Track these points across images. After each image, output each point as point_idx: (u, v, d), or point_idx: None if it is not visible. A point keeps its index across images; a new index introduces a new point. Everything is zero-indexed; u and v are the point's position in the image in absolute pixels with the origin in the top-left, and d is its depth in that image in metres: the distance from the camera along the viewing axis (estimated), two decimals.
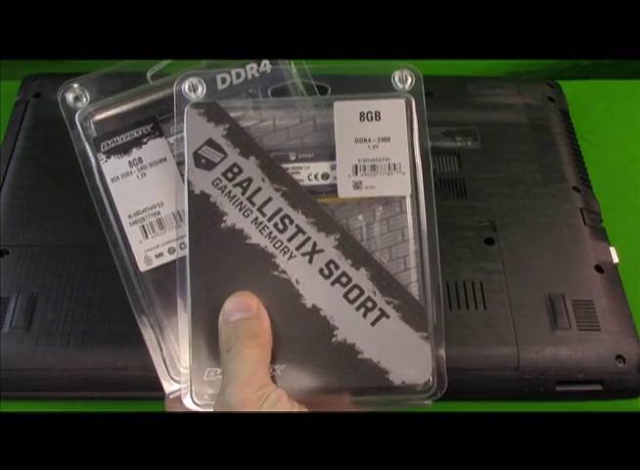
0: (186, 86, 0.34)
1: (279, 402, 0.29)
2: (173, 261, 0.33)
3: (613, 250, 0.44)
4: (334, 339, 0.30)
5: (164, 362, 0.34)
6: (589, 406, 0.40)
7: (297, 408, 0.29)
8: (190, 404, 0.31)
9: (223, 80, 0.34)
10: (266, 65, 0.35)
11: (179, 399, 0.32)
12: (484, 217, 0.45)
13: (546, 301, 0.41)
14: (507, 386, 0.39)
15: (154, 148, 0.35)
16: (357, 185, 0.31)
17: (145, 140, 0.35)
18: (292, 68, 0.35)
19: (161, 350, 0.34)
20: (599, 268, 0.43)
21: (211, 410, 0.30)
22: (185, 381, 0.31)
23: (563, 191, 0.47)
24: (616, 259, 0.44)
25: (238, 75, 0.34)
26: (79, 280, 0.40)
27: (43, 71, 0.51)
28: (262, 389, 0.29)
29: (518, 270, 0.42)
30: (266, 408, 0.28)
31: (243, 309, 0.31)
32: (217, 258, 0.31)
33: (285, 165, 0.32)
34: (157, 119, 0.36)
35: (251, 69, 0.34)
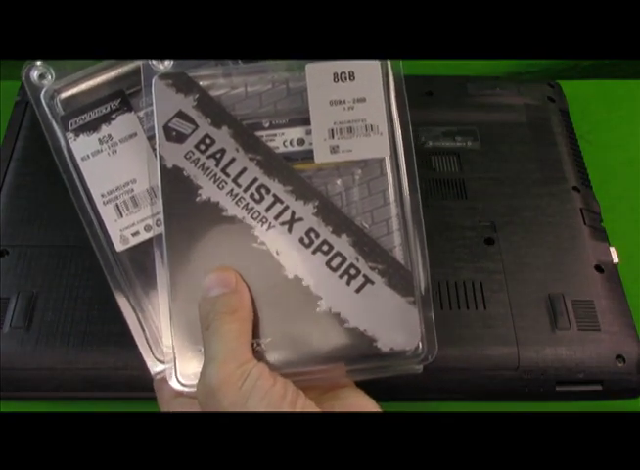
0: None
1: (260, 379, 0.28)
2: (150, 239, 0.33)
3: (613, 250, 0.44)
4: (318, 309, 0.29)
5: (148, 343, 0.33)
6: (589, 406, 0.40)
7: (279, 384, 0.29)
8: (176, 385, 0.31)
9: None
10: None
11: (165, 379, 0.31)
12: (484, 217, 0.45)
13: (546, 301, 0.41)
14: (507, 386, 0.39)
15: (123, 123, 0.34)
16: (334, 149, 0.31)
17: (114, 116, 0.34)
18: None
19: (144, 330, 0.33)
20: (599, 268, 0.43)
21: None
22: (169, 361, 0.31)
23: (563, 191, 0.47)
24: (616, 259, 0.44)
25: None
26: (79, 280, 0.40)
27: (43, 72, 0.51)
28: (243, 366, 0.29)
29: (518, 270, 0.42)
30: (248, 386, 0.28)
31: (221, 285, 0.30)
32: (194, 232, 0.30)
33: (259, 133, 0.31)
34: (124, 94, 0.35)
35: None
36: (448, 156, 0.48)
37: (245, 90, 0.32)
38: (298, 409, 0.28)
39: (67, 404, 0.40)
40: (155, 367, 0.33)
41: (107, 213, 0.34)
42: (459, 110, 0.51)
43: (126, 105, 0.35)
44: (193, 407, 0.30)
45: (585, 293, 0.42)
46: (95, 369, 0.38)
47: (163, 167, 0.31)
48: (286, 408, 0.28)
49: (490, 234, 0.44)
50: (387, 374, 0.31)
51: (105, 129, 0.34)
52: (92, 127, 0.34)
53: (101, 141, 0.34)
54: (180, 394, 0.31)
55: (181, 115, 0.31)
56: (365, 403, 0.31)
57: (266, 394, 0.28)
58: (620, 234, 0.46)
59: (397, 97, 0.32)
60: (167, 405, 0.32)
